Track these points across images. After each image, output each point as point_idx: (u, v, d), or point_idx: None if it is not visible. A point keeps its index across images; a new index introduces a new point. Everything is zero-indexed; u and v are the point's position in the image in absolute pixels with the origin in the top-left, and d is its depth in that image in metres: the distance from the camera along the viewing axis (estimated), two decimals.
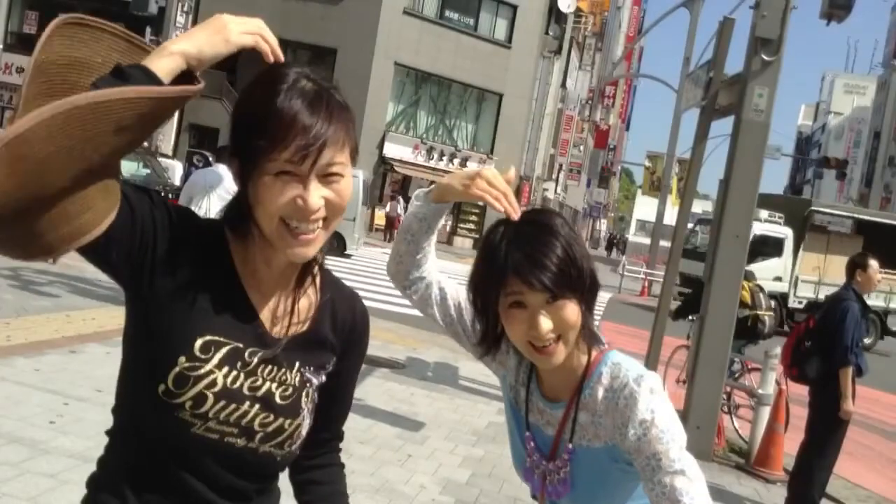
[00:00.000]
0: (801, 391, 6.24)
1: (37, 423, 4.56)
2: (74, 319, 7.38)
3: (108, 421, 1.30)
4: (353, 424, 5.77)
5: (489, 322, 1.54)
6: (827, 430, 5.67)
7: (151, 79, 1.09)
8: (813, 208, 20.53)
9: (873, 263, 5.80)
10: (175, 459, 1.24)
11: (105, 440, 1.31)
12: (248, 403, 1.25)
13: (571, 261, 1.45)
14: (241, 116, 1.22)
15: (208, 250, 1.27)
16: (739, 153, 6.64)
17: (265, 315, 1.31)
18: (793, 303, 20.02)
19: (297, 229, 1.21)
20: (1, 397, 4.89)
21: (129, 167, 14.32)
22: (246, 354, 1.26)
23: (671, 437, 1.40)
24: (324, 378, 1.39)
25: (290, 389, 1.30)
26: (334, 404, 1.46)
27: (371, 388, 6.86)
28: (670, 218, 22.26)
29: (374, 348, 8.25)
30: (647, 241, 34.07)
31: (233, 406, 1.23)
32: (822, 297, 18.05)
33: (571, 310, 1.46)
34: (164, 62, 1.12)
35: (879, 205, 67.01)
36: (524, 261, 1.43)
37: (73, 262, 11.10)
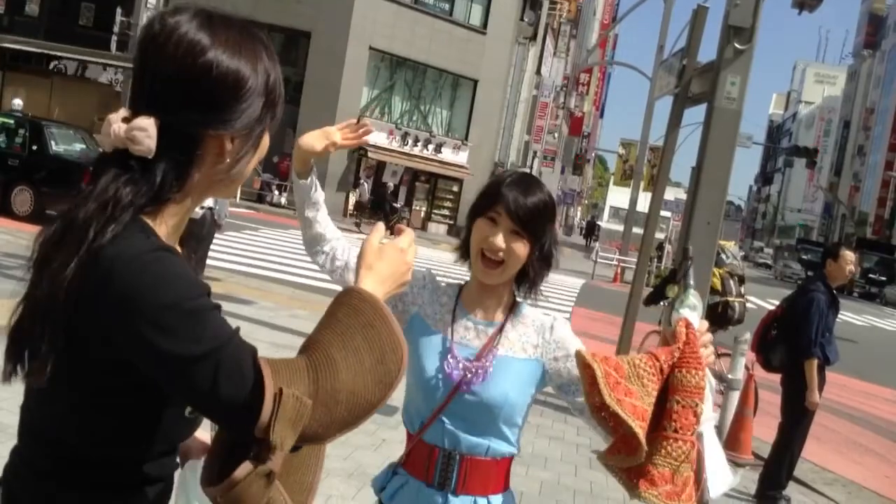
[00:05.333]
0: (770, 376, 6.31)
1: (12, 409, 4.50)
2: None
3: None
4: None
5: (467, 234, 1.96)
6: (793, 418, 5.75)
7: None
8: None
9: (846, 254, 5.66)
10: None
11: None
12: None
13: (543, 217, 1.89)
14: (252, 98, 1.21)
15: None
16: (712, 141, 6.69)
17: None
18: None
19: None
20: None
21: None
22: None
23: None
24: None
25: None
26: None
27: None
28: (643, 205, 22.38)
29: None
30: (621, 227, 34.15)
31: None
32: None
33: (522, 249, 1.88)
34: None
35: (849, 192, 67.81)
36: (515, 194, 1.87)
37: None
